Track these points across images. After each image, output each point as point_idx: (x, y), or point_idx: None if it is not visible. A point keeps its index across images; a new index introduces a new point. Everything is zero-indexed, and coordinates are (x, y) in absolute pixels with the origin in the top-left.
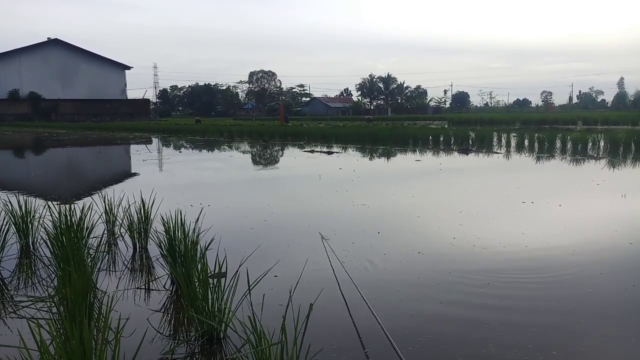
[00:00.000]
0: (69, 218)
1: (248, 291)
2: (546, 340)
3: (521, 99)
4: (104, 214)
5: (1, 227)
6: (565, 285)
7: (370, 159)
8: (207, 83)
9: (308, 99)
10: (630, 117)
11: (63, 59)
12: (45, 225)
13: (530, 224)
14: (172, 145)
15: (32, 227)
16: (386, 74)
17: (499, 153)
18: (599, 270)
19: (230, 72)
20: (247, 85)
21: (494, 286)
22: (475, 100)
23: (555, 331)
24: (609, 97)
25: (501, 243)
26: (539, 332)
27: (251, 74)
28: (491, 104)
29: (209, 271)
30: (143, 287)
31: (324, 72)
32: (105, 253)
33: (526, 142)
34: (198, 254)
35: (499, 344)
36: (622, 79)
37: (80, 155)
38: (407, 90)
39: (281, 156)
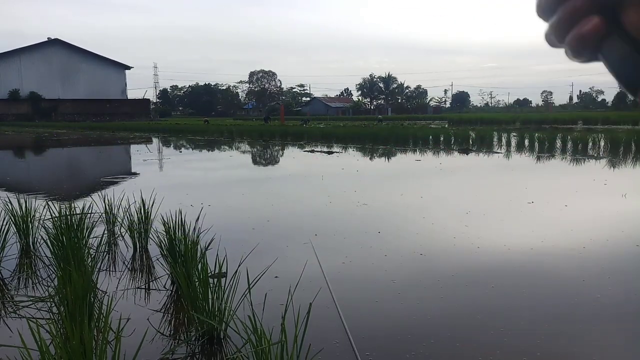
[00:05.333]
0: (69, 218)
1: (248, 290)
2: (555, 347)
3: (521, 98)
4: (104, 214)
5: (1, 227)
6: (573, 290)
7: (371, 159)
8: (207, 83)
9: (308, 98)
10: (631, 117)
11: (63, 58)
12: (46, 225)
13: (534, 225)
14: (172, 145)
15: (32, 227)
16: (386, 74)
17: (499, 153)
18: (607, 274)
19: (230, 72)
20: (247, 85)
21: (499, 290)
22: (476, 100)
23: (564, 338)
24: (609, 96)
25: (506, 245)
26: (547, 339)
27: (251, 74)
28: (491, 103)
29: (209, 271)
30: (143, 287)
31: (324, 72)
32: (105, 253)
33: (526, 142)
34: (198, 254)
35: (506, 350)
36: None
37: (81, 155)
38: (407, 90)
39: (281, 156)
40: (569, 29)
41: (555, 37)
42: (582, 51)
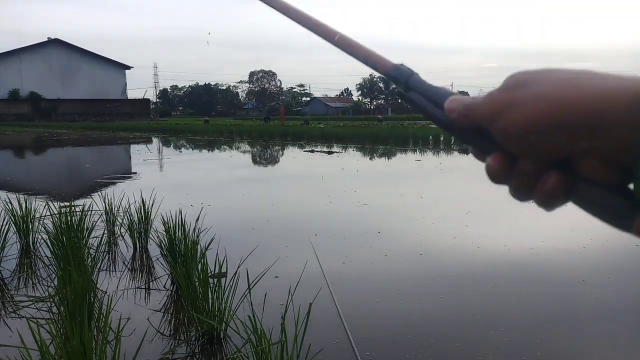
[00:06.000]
0: (69, 218)
1: (248, 290)
2: (555, 347)
3: None
4: (104, 214)
5: (1, 227)
6: (573, 290)
7: (371, 159)
8: (207, 83)
9: (308, 98)
10: None
11: (63, 58)
12: (46, 225)
13: (534, 225)
14: (172, 145)
15: (32, 227)
16: None
17: None
18: (607, 274)
19: (230, 72)
20: (247, 85)
21: (499, 290)
22: None
23: (564, 338)
24: None
25: (506, 245)
26: (547, 339)
27: (251, 74)
28: None
29: (209, 271)
30: (143, 287)
31: (324, 72)
32: (105, 253)
33: None
34: (198, 254)
35: (506, 350)
36: None
37: (81, 155)
38: None
39: (281, 156)
40: (530, 190)
41: (520, 197)
42: (554, 203)
